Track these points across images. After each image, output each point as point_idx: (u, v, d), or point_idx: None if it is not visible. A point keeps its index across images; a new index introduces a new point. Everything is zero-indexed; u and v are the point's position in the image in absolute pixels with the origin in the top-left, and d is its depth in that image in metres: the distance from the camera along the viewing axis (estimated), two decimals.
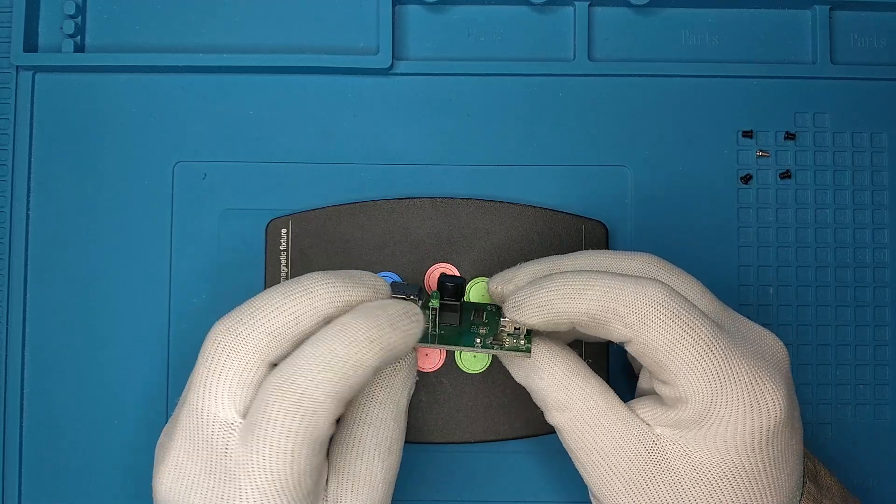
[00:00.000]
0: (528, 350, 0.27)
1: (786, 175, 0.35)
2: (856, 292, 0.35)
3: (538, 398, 0.28)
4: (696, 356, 0.25)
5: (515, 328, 0.27)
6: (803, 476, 0.27)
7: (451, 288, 0.28)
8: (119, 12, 0.35)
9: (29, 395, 0.34)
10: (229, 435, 0.24)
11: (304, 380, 0.23)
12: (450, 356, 0.33)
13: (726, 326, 0.27)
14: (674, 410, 0.26)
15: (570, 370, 0.27)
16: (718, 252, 0.35)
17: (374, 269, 0.33)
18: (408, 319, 0.25)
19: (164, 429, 0.27)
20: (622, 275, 0.26)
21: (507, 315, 0.27)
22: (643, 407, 0.27)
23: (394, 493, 0.33)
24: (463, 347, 0.28)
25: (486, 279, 0.33)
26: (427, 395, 0.33)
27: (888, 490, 0.34)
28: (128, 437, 0.34)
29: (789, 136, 0.35)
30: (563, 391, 0.26)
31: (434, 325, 0.28)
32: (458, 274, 0.33)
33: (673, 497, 0.26)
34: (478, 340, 0.28)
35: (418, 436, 0.33)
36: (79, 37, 0.35)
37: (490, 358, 0.33)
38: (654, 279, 0.26)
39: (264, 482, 0.23)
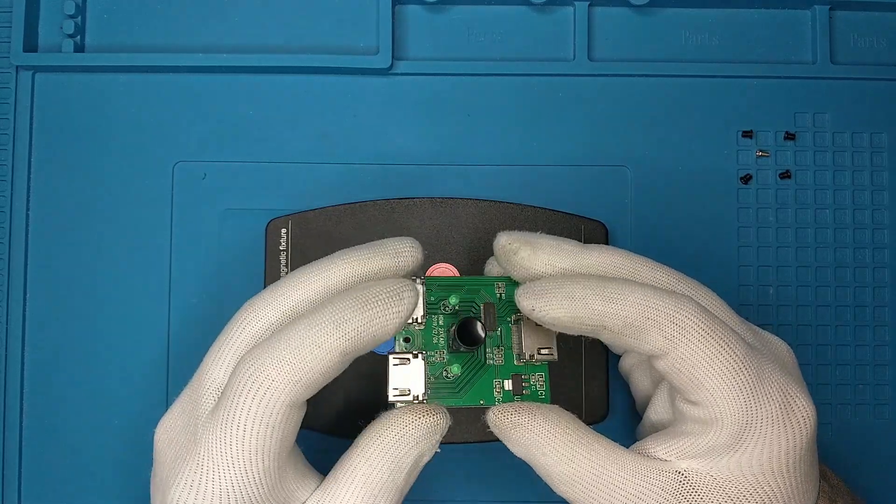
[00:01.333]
0: (548, 399, 0.27)
1: (786, 175, 0.35)
2: (855, 292, 0.35)
3: (542, 473, 0.26)
4: (733, 372, 0.24)
5: (533, 366, 0.27)
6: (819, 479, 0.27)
7: (470, 338, 0.26)
8: (119, 12, 0.35)
9: (29, 395, 0.34)
10: (214, 401, 0.24)
11: (267, 358, 0.23)
12: None
13: (749, 341, 0.26)
14: (703, 437, 0.25)
15: (573, 440, 0.25)
16: (718, 252, 0.35)
17: None
18: (387, 302, 0.24)
19: (174, 415, 0.27)
20: (657, 287, 0.25)
21: (522, 300, 0.25)
22: (660, 444, 0.25)
23: None
24: (483, 406, 0.27)
25: None
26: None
27: (888, 490, 0.34)
28: (127, 437, 0.34)
29: (789, 136, 0.35)
30: (569, 464, 0.25)
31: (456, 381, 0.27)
32: (456, 271, 0.33)
33: None
34: (497, 391, 0.27)
35: None
36: (79, 37, 0.35)
37: None
38: (686, 294, 0.25)
39: (219, 452, 0.23)
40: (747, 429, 0.24)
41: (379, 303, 0.23)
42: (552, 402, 0.27)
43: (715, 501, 0.24)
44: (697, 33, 0.36)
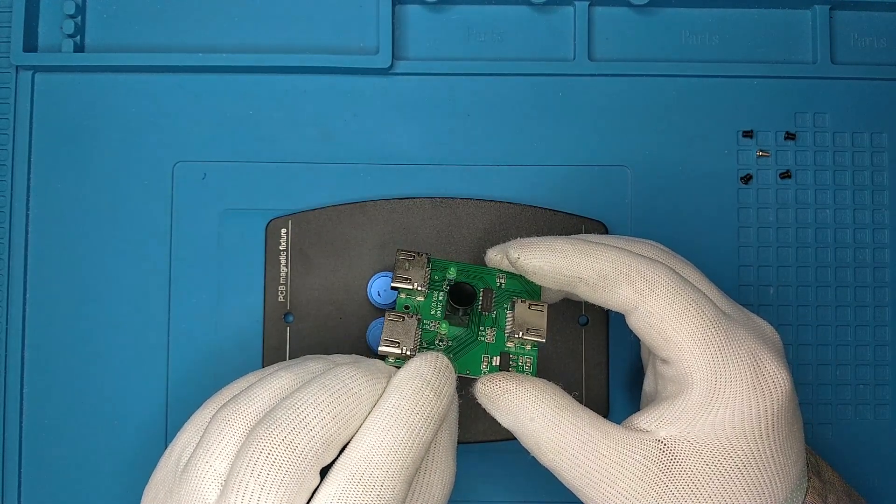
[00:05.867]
0: (535, 372, 0.27)
1: (786, 175, 0.35)
2: (856, 292, 0.35)
3: (529, 442, 0.26)
4: (701, 328, 0.25)
5: (521, 343, 0.27)
6: (807, 469, 0.27)
7: (464, 297, 0.27)
8: (119, 12, 0.35)
9: (28, 396, 0.34)
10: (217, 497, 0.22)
11: (380, 472, 0.22)
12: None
13: (726, 311, 0.27)
14: (678, 400, 0.26)
15: (559, 406, 0.26)
16: (718, 252, 0.35)
17: (374, 270, 0.33)
18: (444, 378, 0.24)
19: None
20: (634, 252, 0.27)
21: (510, 251, 0.27)
22: (643, 416, 0.26)
23: None
24: (469, 376, 0.27)
25: None
26: None
27: (889, 490, 0.34)
28: (127, 438, 0.34)
29: (789, 136, 0.35)
30: (555, 430, 0.25)
31: (439, 313, 0.28)
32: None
33: (691, 499, 0.25)
34: (484, 367, 0.27)
35: None
36: (78, 37, 0.35)
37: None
38: (661, 262, 0.26)
39: None
40: (717, 388, 0.25)
41: (443, 384, 0.24)
42: None
43: (692, 465, 0.25)
44: (697, 33, 0.36)
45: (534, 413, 0.26)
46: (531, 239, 0.27)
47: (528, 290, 0.28)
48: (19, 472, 0.33)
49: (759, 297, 0.35)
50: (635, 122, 0.35)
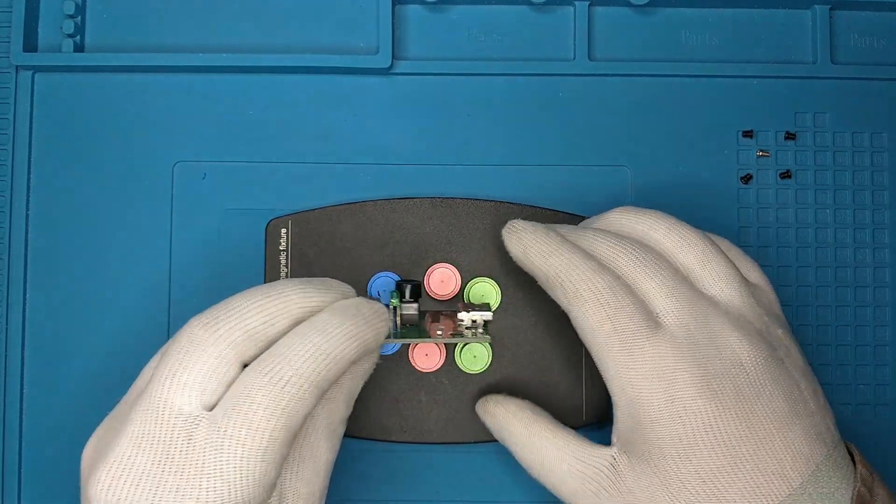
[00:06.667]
0: (488, 339, 0.30)
1: (786, 175, 0.35)
2: (856, 292, 0.35)
3: (518, 459, 0.29)
4: (615, 348, 0.26)
5: (473, 321, 0.30)
6: (855, 481, 0.26)
7: (410, 290, 0.31)
8: (119, 12, 0.35)
9: (29, 395, 0.34)
10: (193, 427, 0.23)
11: (290, 370, 0.23)
12: (450, 357, 0.33)
13: (681, 309, 0.26)
14: (617, 415, 0.27)
15: (529, 423, 0.29)
16: None
17: (374, 270, 0.33)
18: (378, 318, 0.26)
19: (99, 431, 0.26)
20: (588, 253, 0.28)
21: (503, 231, 0.29)
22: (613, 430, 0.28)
23: (394, 494, 0.33)
24: (424, 340, 0.30)
25: (485, 279, 0.33)
26: (427, 395, 0.33)
27: (889, 490, 0.34)
28: None
29: (789, 136, 0.35)
30: (529, 452, 0.29)
31: (395, 324, 0.30)
32: (456, 271, 0.33)
33: None
34: (439, 333, 0.30)
35: (418, 436, 0.33)
36: (78, 37, 0.35)
37: (490, 358, 0.33)
38: (610, 269, 0.27)
39: (230, 469, 0.22)
40: (634, 409, 0.26)
41: (375, 319, 0.26)
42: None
43: (633, 481, 0.26)
44: (697, 33, 0.36)
45: (509, 437, 0.29)
46: (522, 224, 0.29)
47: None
48: (19, 472, 0.33)
49: None
50: (635, 122, 0.35)
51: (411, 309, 0.30)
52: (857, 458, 0.27)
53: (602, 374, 0.27)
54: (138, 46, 0.35)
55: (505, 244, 0.29)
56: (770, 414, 0.26)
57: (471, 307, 0.31)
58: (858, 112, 0.35)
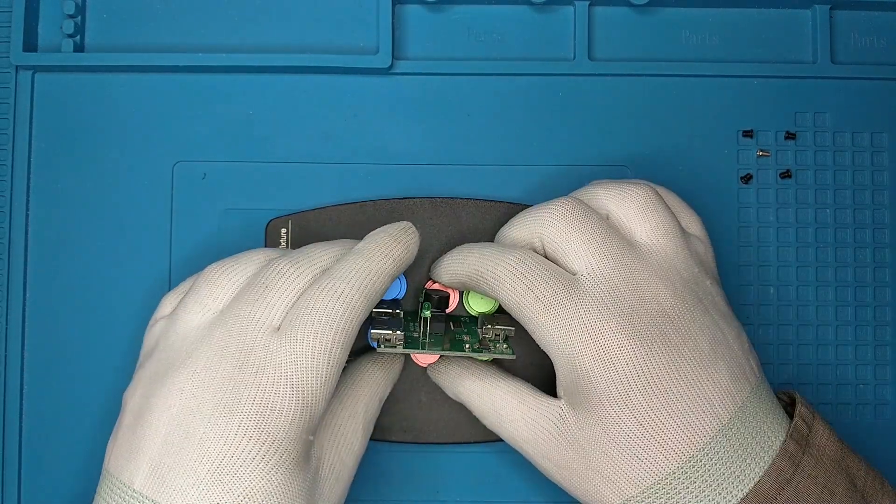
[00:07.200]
0: (512, 353, 0.30)
1: (786, 175, 0.35)
2: (856, 292, 0.35)
3: (474, 413, 0.31)
4: (540, 313, 0.27)
5: (496, 335, 0.30)
6: (786, 433, 0.27)
7: (437, 300, 0.31)
8: (119, 12, 0.35)
9: (29, 395, 0.34)
10: (270, 337, 0.26)
11: (342, 283, 0.27)
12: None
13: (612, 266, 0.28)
14: (558, 369, 0.28)
15: (483, 376, 0.30)
16: (719, 251, 0.34)
17: None
18: (406, 234, 0.29)
19: (140, 375, 0.27)
20: (500, 245, 0.30)
21: (431, 274, 0.32)
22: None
23: (394, 494, 0.33)
24: (453, 353, 0.30)
25: None
26: (427, 394, 0.33)
27: None
28: None
29: (790, 136, 0.35)
30: (482, 399, 0.30)
31: (424, 334, 0.30)
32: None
33: (582, 462, 0.27)
34: (466, 346, 0.30)
35: (418, 436, 0.33)
36: (78, 37, 0.35)
37: (490, 358, 0.33)
38: (522, 246, 0.29)
39: (303, 366, 0.25)
40: (562, 362, 0.27)
41: (403, 236, 0.29)
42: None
43: (577, 432, 0.27)
44: (697, 33, 0.36)
45: (465, 386, 0.30)
46: (442, 258, 0.31)
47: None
48: (19, 472, 0.33)
49: (760, 296, 0.35)
50: (635, 122, 0.35)
51: (439, 322, 0.31)
52: (798, 398, 0.28)
53: (538, 342, 0.28)
54: (138, 46, 0.35)
55: (439, 280, 0.31)
56: (696, 356, 0.27)
57: (493, 321, 0.31)
58: (858, 112, 0.35)
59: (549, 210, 0.29)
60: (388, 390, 0.31)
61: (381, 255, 0.28)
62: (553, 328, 0.27)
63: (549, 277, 0.28)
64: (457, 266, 0.30)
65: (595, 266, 0.28)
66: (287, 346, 0.26)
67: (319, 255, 0.28)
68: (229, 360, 0.26)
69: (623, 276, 0.28)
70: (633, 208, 0.29)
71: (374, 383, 0.30)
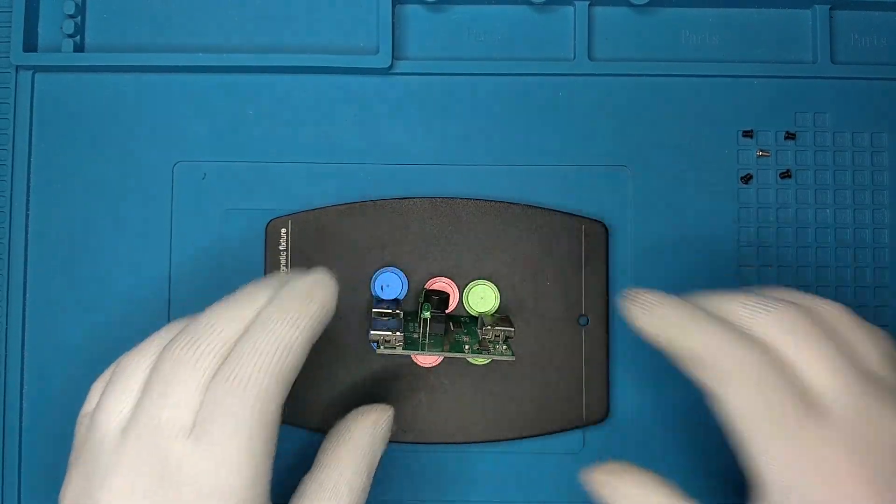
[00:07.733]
0: (512, 355, 0.30)
1: (786, 175, 0.35)
2: (856, 292, 0.35)
3: None
4: (773, 433, 0.24)
5: (495, 335, 0.30)
6: None
7: (437, 301, 0.31)
8: (119, 12, 0.35)
9: (29, 395, 0.34)
10: (185, 441, 0.24)
11: (249, 368, 0.24)
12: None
13: (845, 402, 0.24)
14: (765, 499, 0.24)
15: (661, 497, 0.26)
16: (719, 252, 0.35)
17: (375, 269, 0.33)
18: (319, 288, 0.26)
19: (72, 474, 0.26)
20: (733, 325, 0.25)
21: (626, 300, 0.27)
22: None
23: (394, 494, 0.33)
24: (453, 354, 0.30)
25: (483, 281, 0.33)
26: (427, 394, 0.33)
27: None
28: None
29: (790, 136, 0.35)
30: None
31: (424, 335, 0.30)
32: (450, 281, 0.33)
33: None
34: (466, 348, 0.30)
35: (418, 436, 0.33)
36: (78, 36, 0.35)
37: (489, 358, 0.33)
38: (759, 340, 0.25)
39: (224, 472, 0.24)
40: (795, 499, 0.23)
41: (316, 291, 0.26)
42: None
43: None
44: (697, 33, 0.36)
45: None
46: (650, 295, 0.27)
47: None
48: (19, 472, 0.33)
49: None
50: (635, 122, 0.35)
51: (439, 323, 0.30)
52: None
53: (747, 459, 0.25)
54: (138, 46, 0.35)
55: (628, 317, 0.27)
56: None
57: (492, 321, 0.30)
58: (858, 112, 0.35)
59: (784, 312, 0.25)
60: (378, 457, 0.28)
61: (289, 326, 0.25)
62: (781, 455, 0.24)
63: (793, 395, 0.24)
64: (677, 331, 0.26)
65: (839, 391, 0.24)
66: (205, 453, 0.24)
67: (223, 325, 0.25)
68: (147, 475, 0.24)
69: (869, 412, 0.24)
70: (861, 334, 0.26)
71: (357, 453, 0.27)
